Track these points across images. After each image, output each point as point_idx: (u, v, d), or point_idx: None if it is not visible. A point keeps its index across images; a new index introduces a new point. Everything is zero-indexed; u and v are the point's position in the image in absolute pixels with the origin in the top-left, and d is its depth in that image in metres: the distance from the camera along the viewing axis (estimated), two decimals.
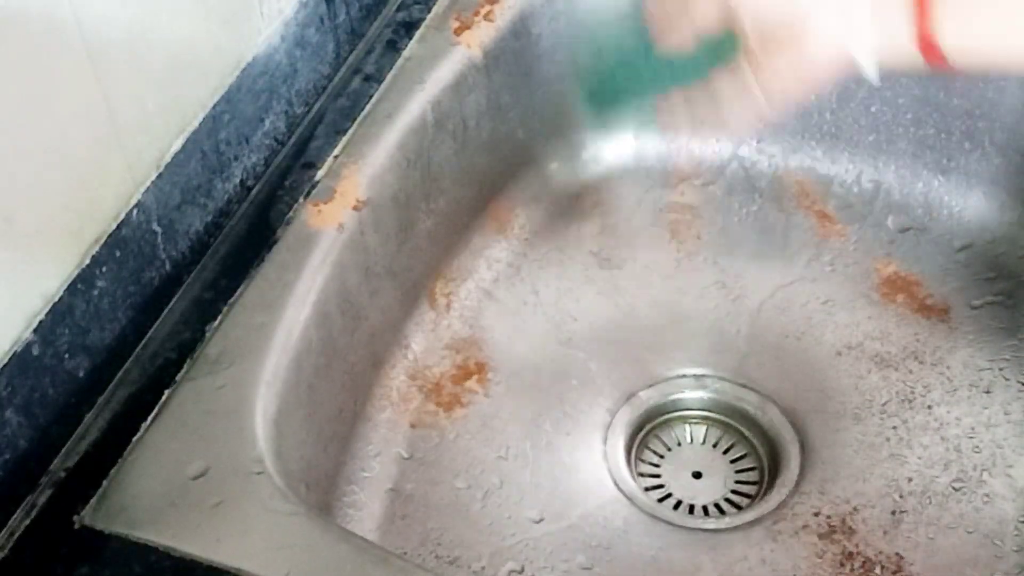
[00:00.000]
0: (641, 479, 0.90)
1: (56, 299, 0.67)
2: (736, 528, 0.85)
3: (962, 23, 0.59)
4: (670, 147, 1.08)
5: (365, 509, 0.83)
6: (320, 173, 0.86)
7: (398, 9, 0.99)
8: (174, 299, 0.78)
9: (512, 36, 0.99)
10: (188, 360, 0.74)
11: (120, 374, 0.74)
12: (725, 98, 0.66)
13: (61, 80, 0.65)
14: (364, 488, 0.84)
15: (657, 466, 0.91)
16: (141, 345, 0.75)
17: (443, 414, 0.90)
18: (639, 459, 0.91)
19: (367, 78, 0.93)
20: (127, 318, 0.74)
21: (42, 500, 0.67)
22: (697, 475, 0.90)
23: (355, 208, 0.83)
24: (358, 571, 0.62)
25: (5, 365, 0.64)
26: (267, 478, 0.66)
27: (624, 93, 0.73)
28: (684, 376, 0.95)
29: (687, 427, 0.94)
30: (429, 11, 0.98)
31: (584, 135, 1.07)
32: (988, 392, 0.91)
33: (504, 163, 1.03)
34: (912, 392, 0.92)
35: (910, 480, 0.86)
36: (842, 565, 0.82)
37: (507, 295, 0.99)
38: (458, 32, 0.90)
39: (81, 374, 0.71)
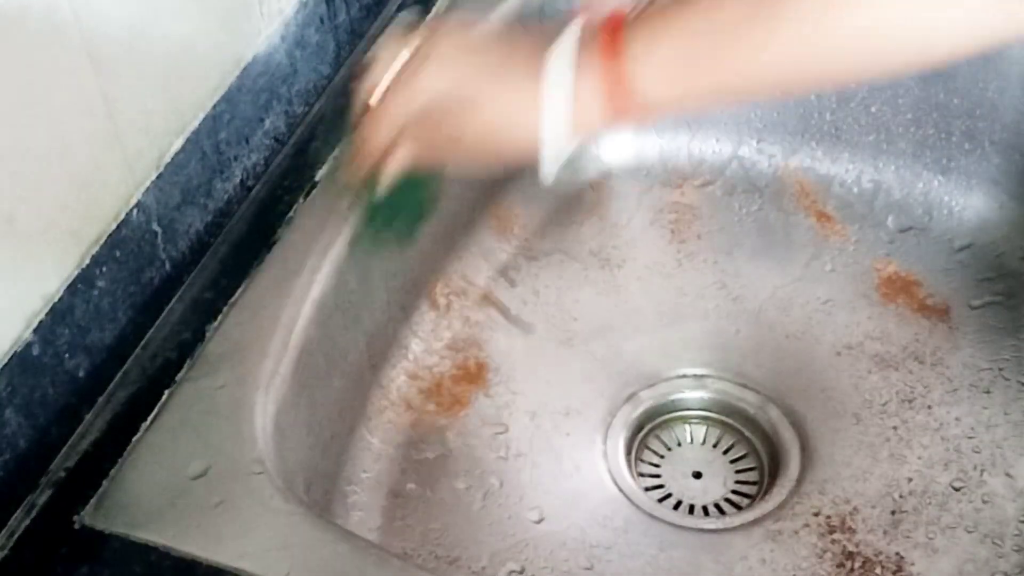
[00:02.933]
0: (641, 479, 0.90)
1: (56, 299, 0.67)
2: (736, 528, 0.85)
3: (658, 83, 0.61)
4: (670, 147, 1.08)
5: (365, 509, 0.83)
6: (320, 173, 0.86)
7: (398, 9, 0.99)
8: (174, 299, 0.78)
9: None
10: (188, 360, 0.74)
11: (120, 374, 0.74)
12: None
13: (61, 80, 0.65)
14: (364, 488, 0.84)
15: (657, 466, 0.91)
16: (141, 345, 0.75)
17: (443, 414, 0.90)
18: (639, 459, 0.91)
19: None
20: (127, 318, 0.74)
21: (42, 500, 0.67)
22: (697, 475, 0.90)
23: (355, 208, 0.83)
24: (358, 571, 0.62)
25: (5, 365, 0.64)
26: (267, 478, 0.66)
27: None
28: (684, 376, 0.95)
29: (687, 427, 0.93)
30: (429, 11, 0.98)
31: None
32: (988, 392, 0.91)
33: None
34: (912, 392, 0.92)
35: (910, 480, 0.86)
36: (842, 565, 0.82)
37: (507, 295, 0.99)
38: None
39: (81, 374, 0.71)
